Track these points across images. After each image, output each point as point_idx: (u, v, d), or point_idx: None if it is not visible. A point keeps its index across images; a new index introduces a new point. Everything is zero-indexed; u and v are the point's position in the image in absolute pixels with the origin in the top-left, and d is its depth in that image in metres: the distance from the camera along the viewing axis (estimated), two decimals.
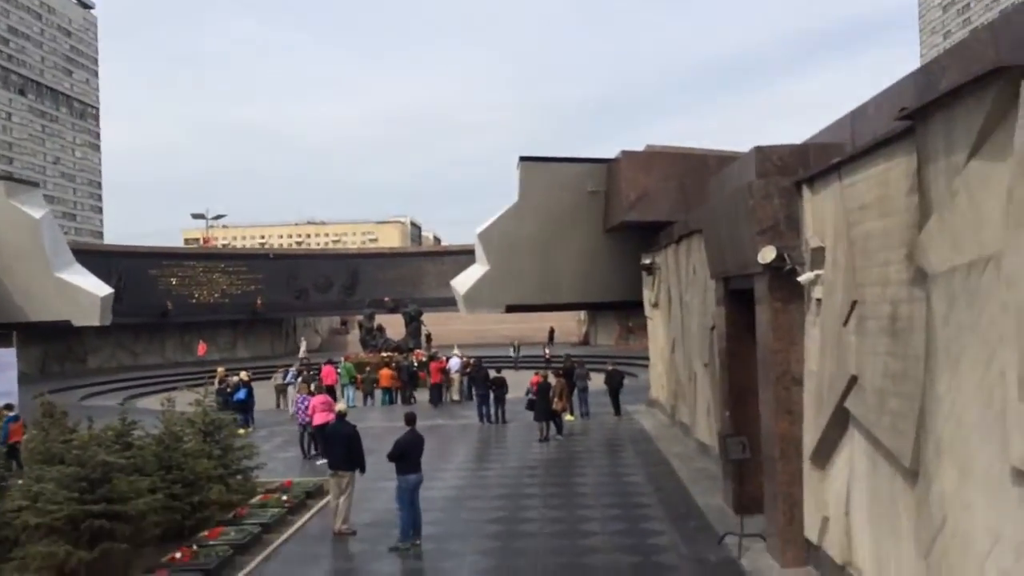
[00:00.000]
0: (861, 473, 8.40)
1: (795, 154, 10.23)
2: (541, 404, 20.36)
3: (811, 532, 9.75)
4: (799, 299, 10.06)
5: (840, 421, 8.86)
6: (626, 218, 22.71)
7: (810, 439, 9.71)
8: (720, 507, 13.04)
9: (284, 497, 13.72)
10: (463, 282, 26.43)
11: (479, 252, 25.93)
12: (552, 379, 21.22)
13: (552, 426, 20.50)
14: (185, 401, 14.73)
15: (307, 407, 18.82)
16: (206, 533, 11.55)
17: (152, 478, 11.55)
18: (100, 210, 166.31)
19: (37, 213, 24.56)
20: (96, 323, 25.34)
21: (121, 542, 10.10)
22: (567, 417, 22.05)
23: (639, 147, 24.29)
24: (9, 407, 18.96)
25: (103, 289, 25.39)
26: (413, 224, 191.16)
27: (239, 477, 13.76)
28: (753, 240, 10.27)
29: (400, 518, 11.69)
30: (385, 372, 29.70)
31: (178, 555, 10.58)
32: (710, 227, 12.94)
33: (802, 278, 9.52)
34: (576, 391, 23.50)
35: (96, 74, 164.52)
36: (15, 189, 25.15)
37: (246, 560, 11.03)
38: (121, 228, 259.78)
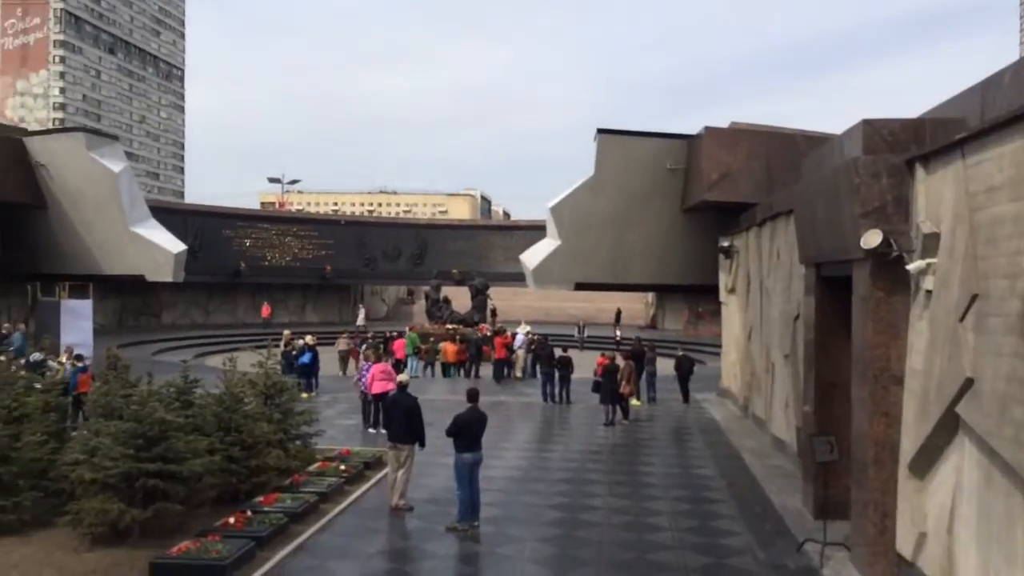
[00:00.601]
0: (971, 487, 7.55)
1: (908, 129, 9.29)
2: (607, 387, 19.69)
3: (904, 547, 8.91)
4: (904, 290, 9.16)
5: (948, 427, 8.00)
6: (706, 197, 21.72)
7: (910, 444, 8.85)
8: (798, 510, 12.22)
9: (342, 466, 13.42)
10: (532, 257, 25.81)
11: (550, 226, 25.25)
12: (620, 361, 20.50)
13: (618, 410, 19.84)
14: (249, 362, 14.54)
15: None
16: (261, 499, 11.28)
17: (211, 439, 11.32)
18: (182, 170, 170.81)
19: (116, 167, 24.75)
20: (169, 279, 25.50)
21: (175, 502, 9.89)
22: (633, 402, 21.34)
23: (721, 125, 23.20)
24: (79, 358, 19.16)
25: (177, 246, 25.50)
26: (483, 198, 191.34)
27: (298, 443, 13.51)
28: (855, 223, 9.38)
29: (458, 497, 11.23)
30: (450, 347, 29.31)
31: (231, 520, 10.31)
32: (803, 208, 12.02)
33: (911, 266, 8.61)
34: (644, 375, 22.75)
35: (183, 36, 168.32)
36: (95, 142, 25.40)
37: (300, 529, 10.71)
38: (201, 189, 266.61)
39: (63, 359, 17.75)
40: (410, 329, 33.45)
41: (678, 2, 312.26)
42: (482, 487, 11.71)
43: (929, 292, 8.54)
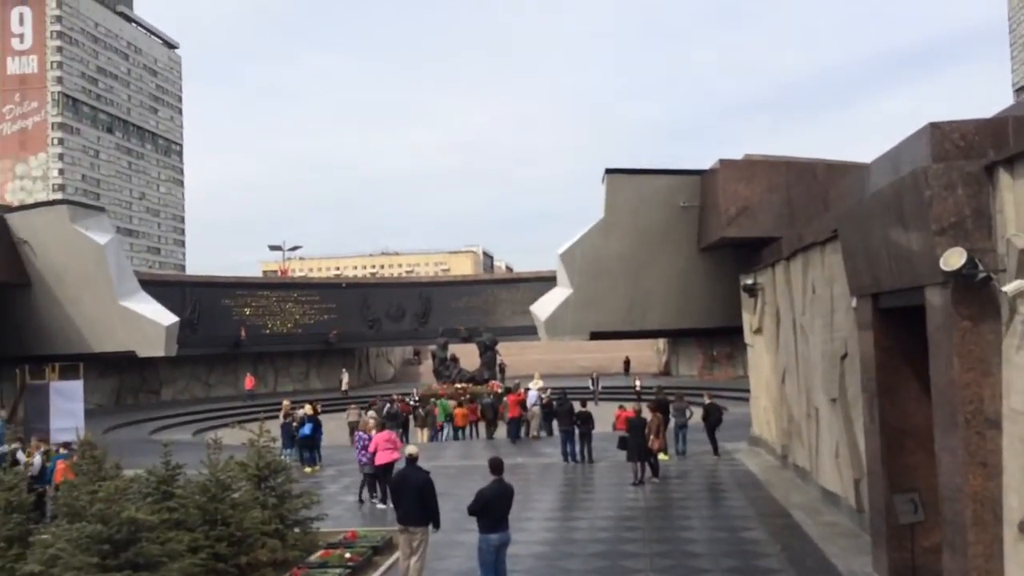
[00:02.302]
0: None
1: (984, 131, 8.02)
2: (635, 442, 18.14)
3: None
4: (994, 316, 7.79)
5: None
6: (725, 234, 20.48)
7: (1020, 501, 7.40)
8: None
9: (347, 554, 11.85)
10: (543, 307, 24.49)
11: (560, 274, 23.96)
12: (647, 414, 18.99)
13: (647, 467, 18.27)
14: (239, 439, 13.12)
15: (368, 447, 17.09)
16: None
17: (194, 534, 9.87)
18: (183, 244, 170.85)
19: (102, 239, 23.64)
20: (161, 353, 24.19)
21: None
22: (662, 456, 19.75)
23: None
24: (66, 444, 17.76)
25: (168, 318, 24.23)
26: (486, 254, 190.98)
27: (296, 530, 11.99)
28: (928, 242, 8.07)
29: None
30: (460, 412, 28.12)
31: None
32: (853, 232, 10.70)
33: (1009, 287, 7.26)
34: (674, 427, 21.20)
35: (180, 112, 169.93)
36: (79, 214, 24.33)
37: None
38: (203, 261, 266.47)
39: (33, 449, 16.24)
40: (441, 395, 32.28)
41: (663, 52, 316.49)
42: (509, 568, 10.21)
43: None
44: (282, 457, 21.15)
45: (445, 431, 28.72)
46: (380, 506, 16.51)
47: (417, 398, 32.61)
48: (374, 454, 16.64)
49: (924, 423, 10.18)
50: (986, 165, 7.77)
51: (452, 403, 30.05)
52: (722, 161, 20.65)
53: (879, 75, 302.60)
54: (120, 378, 43.61)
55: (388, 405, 28.60)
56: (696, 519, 14.60)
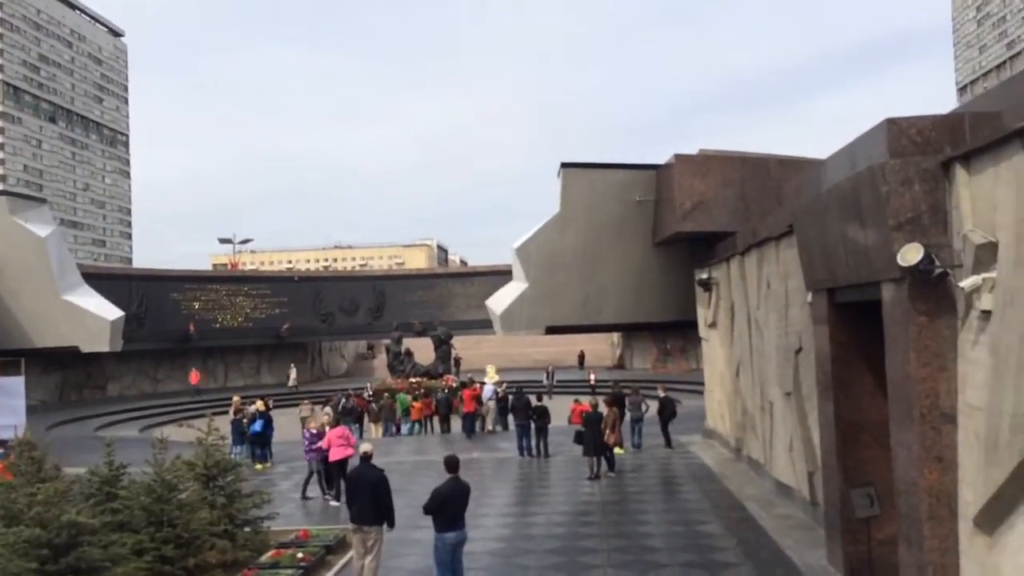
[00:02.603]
0: None
1: (940, 126, 8.04)
2: (591, 437, 18.10)
3: None
4: (950, 312, 7.84)
5: None
6: (680, 228, 20.57)
7: (974, 495, 7.44)
8: (824, 569, 10.73)
9: (300, 554, 11.59)
10: (499, 302, 24.38)
11: (516, 268, 23.88)
12: (603, 408, 18.97)
13: (603, 462, 18.26)
14: (190, 436, 12.74)
15: (315, 445, 16.97)
16: None
17: (139, 536, 9.53)
18: (130, 236, 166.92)
19: (43, 231, 22.84)
20: (105, 348, 23.50)
21: None
22: (617, 451, 19.75)
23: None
24: (2, 443, 17.13)
25: (113, 312, 23.54)
26: (440, 247, 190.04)
27: (247, 529, 11.69)
28: (885, 238, 8.09)
29: None
30: (416, 405, 27.98)
31: None
32: (809, 227, 10.74)
33: (966, 283, 7.28)
34: (630, 421, 21.24)
35: (126, 101, 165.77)
36: (19, 205, 23.42)
37: None
38: (150, 255, 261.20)
39: None
40: (399, 389, 32.12)
41: (622, 48, 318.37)
42: (466, 566, 10.06)
43: (986, 313, 7.22)
44: (232, 455, 20.87)
45: (404, 426, 28.43)
46: (333, 503, 16.26)
47: (371, 393, 32.27)
48: (327, 451, 16.42)
49: (879, 417, 10.27)
50: (943, 161, 7.80)
51: (409, 397, 29.84)
52: (677, 156, 20.72)
53: (824, 74, 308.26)
54: (64, 373, 42.37)
55: (344, 400, 28.26)
56: (652, 513, 14.61)
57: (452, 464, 9.92)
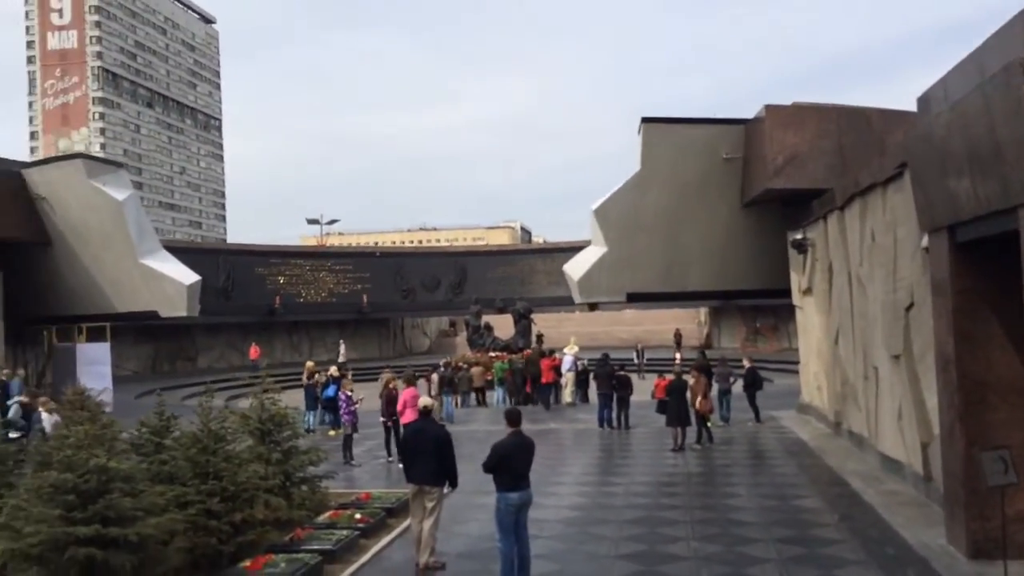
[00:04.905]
0: None
1: None
2: (675, 406, 16.94)
3: None
4: None
5: None
6: (771, 185, 19.02)
7: None
8: (944, 549, 9.37)
9: (358, 515, 10.90)
10: (577, 267, 23.22)
11: (595, 232, 22.66)
12: (689, 377, 17.74)
13: (688, 433, 17.06)
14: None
15: (351, 407, 17.26)
16: (248, 563, 8.78)
17: (184, 488, 8.94)
18: (223, 218, 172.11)
19: (121, 194, 22.85)
20: (183, 313, 23.39)
21: None
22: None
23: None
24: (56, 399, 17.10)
25: (190, 276, 23.40)
26: (523, 229, 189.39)
27: (304, 488, 11.06)
28: None
29: (501, 551, 8.63)
30: (476, 370, 27.45)
31: None
32: (925, 157, 9.33)
33: None
34: (718, 392, 19.93)
35: (218, 87, 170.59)
36: (97, 169, 23.52)
37: None
38: (243, 235, 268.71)
39: (39, 405, 15.48)
40: (499, 358, 31.93)
41: (705, 24, 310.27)
42: (532, 532, 9.12)
43: None
44: (306, 419, 20.53)
45: (499, 391, 27.49)
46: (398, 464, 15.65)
47: (443, 365, 31.59)
48: (400, 412, 15.82)
49: (1010, 375, 8.90)
50: None
51: (506, 364, 28.90)
52: (768, 107, 19.15)
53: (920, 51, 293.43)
54: (156, 345, 43.49)
55: (442, 369, 27.66)
56: (742, 486, 13.41)
57: (514, 417, 8.96)
